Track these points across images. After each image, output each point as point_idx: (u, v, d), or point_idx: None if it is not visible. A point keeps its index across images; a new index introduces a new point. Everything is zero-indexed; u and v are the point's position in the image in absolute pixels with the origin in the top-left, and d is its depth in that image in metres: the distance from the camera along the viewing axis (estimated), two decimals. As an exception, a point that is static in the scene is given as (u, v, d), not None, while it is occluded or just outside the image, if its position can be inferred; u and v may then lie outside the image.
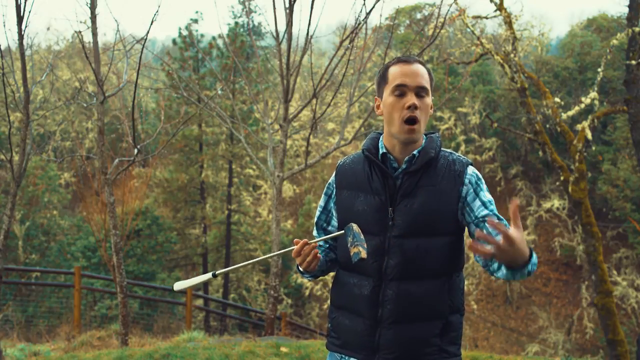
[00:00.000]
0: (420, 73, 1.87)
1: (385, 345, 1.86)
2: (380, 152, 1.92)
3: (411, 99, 1.84)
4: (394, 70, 1.89)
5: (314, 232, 2.15)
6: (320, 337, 9.14)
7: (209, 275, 1.90)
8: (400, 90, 1.86)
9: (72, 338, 6.78)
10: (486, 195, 1.89)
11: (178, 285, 1.98)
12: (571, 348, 19.38)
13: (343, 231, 1.83)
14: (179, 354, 4.85)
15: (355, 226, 1.79)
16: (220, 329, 13.89)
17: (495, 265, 1.73)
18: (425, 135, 1.97)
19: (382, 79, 1.93)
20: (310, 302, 20.72)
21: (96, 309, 12.49)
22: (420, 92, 1.86)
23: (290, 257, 19.90)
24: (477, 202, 1.87)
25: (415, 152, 1.89)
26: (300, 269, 1.94)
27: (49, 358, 5.48)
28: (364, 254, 1.72)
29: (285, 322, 9.93)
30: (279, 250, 6.74)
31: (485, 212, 1.83)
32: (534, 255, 1.65)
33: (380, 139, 1.97)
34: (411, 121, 1.84)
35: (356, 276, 1.92)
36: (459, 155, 1.94)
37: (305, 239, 1.86)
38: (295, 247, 1.85)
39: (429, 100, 1.88)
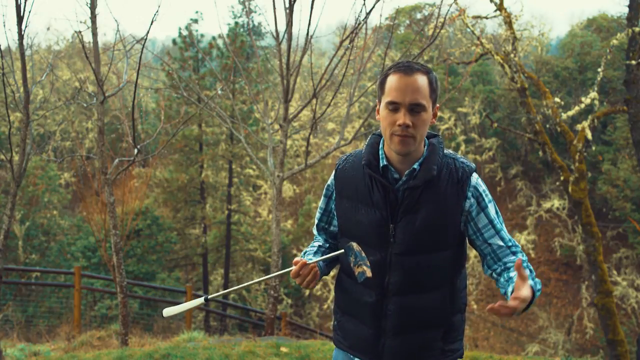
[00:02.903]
0: (417, 86, 1.74)
1: (389, 352, 1.88)
2: (381, 164, 1.85)
3: (403, 117, 1.74)
4: (390, 82, 1.78)
5: (315, 233, 2.13)
6: (320, 337, 9.14)
7: (200, 300, 1.84)
8: (393, 107, 1.76)
9: (72, 338, 6.79)
10: (492, 211, 1.84)
11: (167, 312, 1.89)
12: (571, 348, 19.37)
13: (342, 251, 1.78)
14: (179, 354, 4.85)
15: (355, 245, 1.75)
16: (220, 329, 13.88)
17: (503, 291, 1.78)
18: (427, 140, 1.89)
19: (381, 87, 1.84)
20: (310, 302, 20.73)
21: (96, 309, 12.49)
22: (414, 108, 1.74)
23: (290, 259, 19.94)
24: (484, 219, 1.83)
25: (416, 165, 1.81)
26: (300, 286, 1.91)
27: (49, 358, 5.48)
28: (369, 273, 1.68)
29: (285, 322, 9.93)
30: (279, 256, 6.74)
31: (498, 241, 1.82)
32: (535, 292, 1.67)
33: (381, 144, 1.90)
34: (402, 137, 1.77)
35: (359, 286, 1.90)
36: (463, 161, 1.85)
37: (304, 260, 1.80)
38: (293, 268, 1.80)
39: (425, 115, 1.76)
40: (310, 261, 1.80)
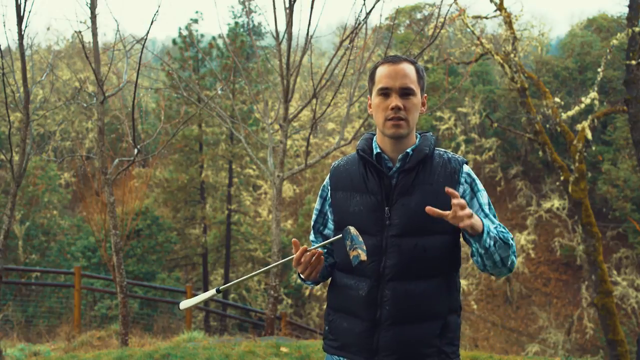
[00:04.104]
0: (406, 73, 1.86)
1: (384, 347, 1.85)
2: (375, 152, 1.92)
3: (394, 100, 1.84)
4: (380, 72, 1.90)
5: (311, 237, 2.12)
6: (320, 337, 9.14)
7: (213, 291, 1.86)
8: (384, 92, 1.87)
9: (72, 338, 6.79)
10: (483, 197, 1.90)
11: (184, 304, 1.93)
12: (571, 348, 19.38)
13: (340, 235, 1.79)
14: (179, 354, 4.85)
15: (352, 229, 1.76)
16: (220, 329, 13.88)
17: (472, 249, 1.81)
18: (419, 134, 1.97)
19: (371, 80, 1.95)
20: (310, 302, 20.72)
21: (96, 309, 12.49)
22: (404, 92, 1.85)
23: (291, 259, 19.88)
24: (475, 204, 1.89)
25: (409, 150, 1.88)
26: (302, 276, 1.88)
27: (49, 358, 5.48)
28: (363, 257, 1.69)
29: (285, 322, 9.92)
30: (279, 256, 6.74)
31: (486, 222, 1.84)
32: (488, 227, 1.74)
33: (374, 139, 1.97)
34: (395, 120, 1.85)
35: (353, 278, 1.90)
36: (453, 154, 1.94)
37: (305, 246, 1.80)
38: (295, 255, 1.80)
39: (415, 99, 1.87)
40: (311, 247, 1.81)
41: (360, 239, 1.74)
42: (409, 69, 1.87)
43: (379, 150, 1.91)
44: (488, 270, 1.82)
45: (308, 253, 1.79)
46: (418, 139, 1.94)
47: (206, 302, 15.70)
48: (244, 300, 18.71)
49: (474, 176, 1.92)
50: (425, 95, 1.96)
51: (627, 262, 20.78)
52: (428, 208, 1.66)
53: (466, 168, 1.91)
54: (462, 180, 1.88)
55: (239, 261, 20.58)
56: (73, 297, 8.53)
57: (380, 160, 1.91)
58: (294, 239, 1.82)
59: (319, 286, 19.89)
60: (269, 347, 5.20)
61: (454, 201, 1.63)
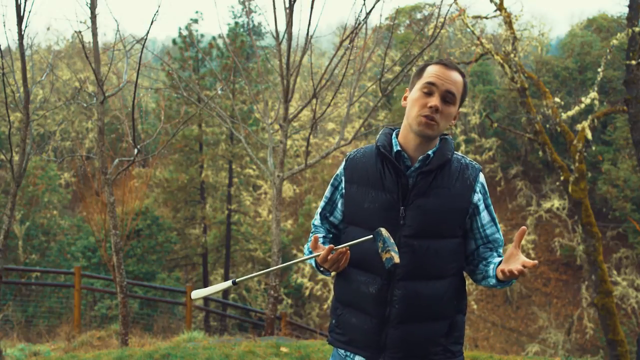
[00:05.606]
0: (455, 80, 1.86)
1: (392, 345, 1.87)
2: (395, 149, 1.91)
3: (435, 100, 1.84)
4: (432, 69, 1.88)
5: (316, 221, 2.10)
6: (321, 337, 9.13)
7: (229, 283, 1.82)
8: (429, 89, 1.85)
9: (72, 338, 6.79)
10: (493, 210, 1.95)
11: (196, 294, 1.88)
12: (571, 348, 19.38)
13: (371, 236, 1.77)
14: (179, 354, 4.85)
15: (384, 231, 1.75)
16: (220, 329, 13.88)
17: (480, 276, 1.91)
18: (440, 137, 1.97)
19: (418, 74, 1.93)
20: (310, 302, 20.72)
21: (96, 309, 12.50)
22: (447, 96, 1.85)
23: (291, 259, 19.93)
24: (487, 217, 1.92)
25: (430, 152, 1.88)
26: (321, 268, 1.90)
27: (49, 358, 5.48)
28: (397, 259, 1.68)
29: (285, 322, 9.91)
30: (279, 256, 6.74)
31: (496, 235, 1.93)
32: None
33: (394, 135, 1.96)
34: (428, 119, 1.84)
35: (364, 274, 1.90)
36: (471, 160, 1.95)
37: (331, 245, 1.79)
38: (320, 253, 1.79)
39: (453, 109, 1.87)
40: (337, 247, 1.81)
41: (392, 240, 1.74)
42: (458, 78, 1.88)
43: (399, 148, 1.91)
44: (479, 285, 1.92)
45: (334, 253, 1.79)
46: (439, 142, 1.94)
47: (206, 302, 15.68)
48: (244, 300, 18.71)
49: (486, 187, 1.96)
50: (460, 110, 1.97)
51: (627, 262, 20.78)
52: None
53: (481, 177, 1.93)
54: (478, 189, 1.91)
55: (239, 261, 20.58)
56: (73, 297, 8.53)
57: (399, 158, 1.91)
58: (315, 235, 1.84)
59: (318, 286, 19.91)
60: (269, 347, 5.20)
61: (527, 263, 1.67)
